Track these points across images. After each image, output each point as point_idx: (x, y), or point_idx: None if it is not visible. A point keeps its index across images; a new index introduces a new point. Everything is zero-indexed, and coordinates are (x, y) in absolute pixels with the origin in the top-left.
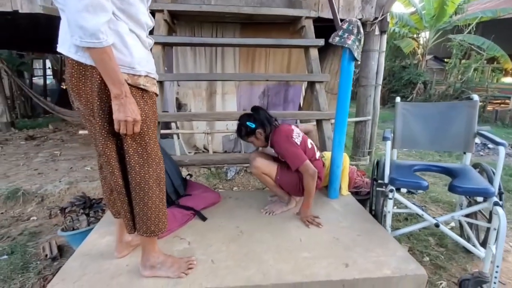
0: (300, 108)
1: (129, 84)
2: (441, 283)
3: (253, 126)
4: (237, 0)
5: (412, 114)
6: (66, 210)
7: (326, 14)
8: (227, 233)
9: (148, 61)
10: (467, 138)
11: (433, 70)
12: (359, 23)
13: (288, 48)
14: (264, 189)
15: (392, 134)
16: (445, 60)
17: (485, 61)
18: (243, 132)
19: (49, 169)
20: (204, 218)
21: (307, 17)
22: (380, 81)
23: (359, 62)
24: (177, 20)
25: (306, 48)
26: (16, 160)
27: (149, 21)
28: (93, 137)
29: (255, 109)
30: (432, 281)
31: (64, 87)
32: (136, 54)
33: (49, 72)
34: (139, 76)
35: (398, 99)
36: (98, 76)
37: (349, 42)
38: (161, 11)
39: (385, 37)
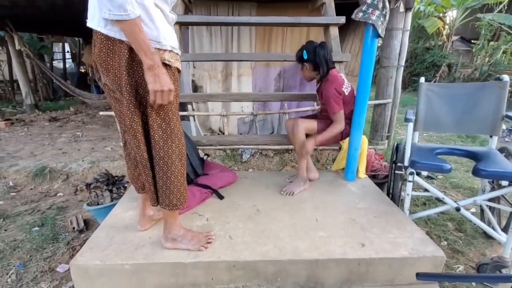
0: None
1: None
2: (458, 267)
3: (305, 57)
4: None
5: (437, 95)
6: (91, 186)
7: None
8: (244, 211)
9: (172, 36)
10: (495, 120)
11: (459, 52)
12: None
13: (307, 26)
14: (281, 170)
15: (414, 116)
16: (473, 41)
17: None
18: (298, 56)
19: (72, 149)
20: (221, 197)
21: None
22: (403, 62)
23: (380, 41)
24: None
25: (326, 27)
26: (41, 140)
27: None
28: (117, 114)
29: (321, 45)
30: (449, 264)
31: (83, 71)
32: (161, 28)
33: (68, 56)
34: (165, 50)
35: (422, 79)
36: (126, 51)
37: (374, 17)
38: None
39: (410, 15)
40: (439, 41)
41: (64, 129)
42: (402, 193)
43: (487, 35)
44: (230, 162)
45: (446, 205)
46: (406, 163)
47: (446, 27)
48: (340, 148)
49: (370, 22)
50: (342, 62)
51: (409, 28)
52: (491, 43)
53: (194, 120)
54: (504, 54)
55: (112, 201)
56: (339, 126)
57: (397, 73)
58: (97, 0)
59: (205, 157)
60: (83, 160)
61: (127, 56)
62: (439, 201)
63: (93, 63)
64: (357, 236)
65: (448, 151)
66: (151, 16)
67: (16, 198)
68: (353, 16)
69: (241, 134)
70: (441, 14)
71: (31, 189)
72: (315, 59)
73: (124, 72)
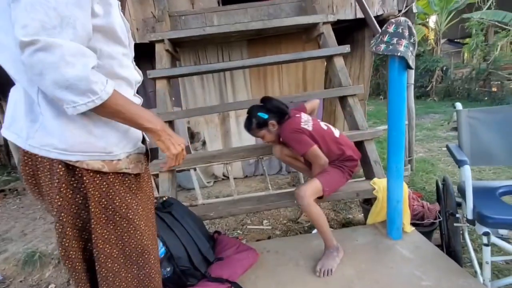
0: None
1: (105, 172)
2: None
3: (266, 116)
4: (242, 16)
5: (482, 122)
6: None
7: (343, 15)
8: None
9: (132, 131)
10: None
11: (449, 54)
12: (410, 23)
13: (309, 60)
14: (299, 218)
15: (464, 153)
16: (460, 41)
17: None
18: (254, 124)
19: None
20: None
21: (324, 23)
22: (412, 79)
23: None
24: (179, 47)
25: (329, 58)
26: (33, 213)
27: (137, 76)
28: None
29: (266, 99)
30: None
31: None
32: (112, 133)
33: None
34: (119, 160)
35: (459, 105)
36: (61, 167)
37: (402, 48)
38: (161, 41)
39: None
40: (427, 46)
41: None
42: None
43: (479, 34)
44: (241, 215)
45: None
46: (469, 215)
47: (432, 32)
48: (375, 199)
49: (398, 54)
50: (355, 95)
51: None
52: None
53: (195, 170)
54: (496, 49)
55: None
56: (320, 162)
57: (408, 92)
58: (51, 95)
59: (215, 236)
60: None
61: (61, 173)
62: None
63: None
64: None
65: None
66: (96, 120)
67: None
68: (372, 49)
69: (246, 176)
70: (424, 21)
71: (21, 281)
72: (274, 111)
73: (56, 191)
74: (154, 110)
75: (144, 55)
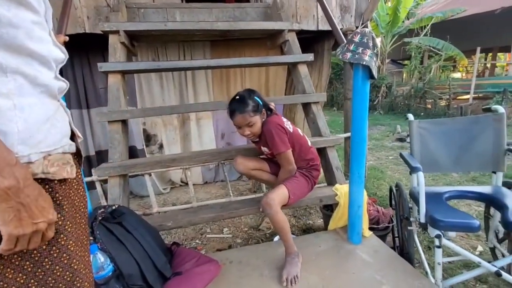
0: None
1: None
2: None
3: (261, 103)
4: (207, 15)
5: (430, 132)
6: None
7: (306, 25)
8: None
9: (54, 124)
10: (497, 156)
11: (392, 73)
12: (374, 34)
13: (274, 65)
14: (260, 225)
15: (417, 161)
16: (401, 62)
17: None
18: (250, 106)
19: None
20: None
21: (290, 30)
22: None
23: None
24: (136, 41)
25: (293, 65)
26: None
27: (57, 53)
28: None
29: (253, 90)
30: None
31: None
32: (17, 124)
33: None
34: (29, 163)
35: (411, 116)
36: None
37: (366, 58)
38: (116, 32)
39: None
40: None
41: None
42: (418, 250)
43: (417, 56)
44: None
45: (481, 268)
46: (422, 219)
47: (379, 52)
48: (336, 205)
49: (363, 63)
50: (318, 102)
51: None
52: (416, 62)
53: (150, 175)
54: (430, 71)
55: None
56: (289, 167)
57: None
58: None
59: (173, 248)
60: None
61: None
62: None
63: None
64: None
65: (458, 194)
66: None
67: None
68: (339, 57)
69: (206, 182)
70: None
71: None
72: (264, 103)
73: None
74: (105, 108)
75: (94, 46)
